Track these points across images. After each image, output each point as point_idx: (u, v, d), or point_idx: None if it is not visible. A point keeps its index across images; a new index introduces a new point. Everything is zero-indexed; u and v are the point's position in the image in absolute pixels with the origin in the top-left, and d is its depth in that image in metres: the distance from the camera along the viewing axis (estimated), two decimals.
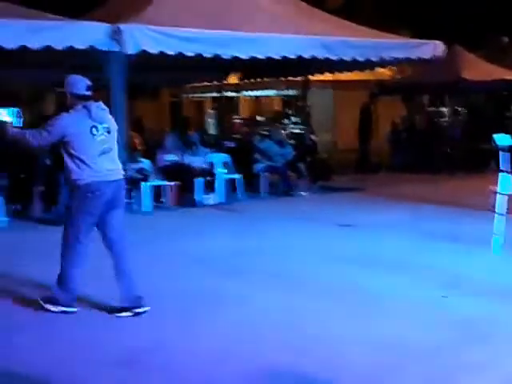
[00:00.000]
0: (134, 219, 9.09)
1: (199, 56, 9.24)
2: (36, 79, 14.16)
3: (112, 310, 5.14)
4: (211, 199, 10.95)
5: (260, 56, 9.81)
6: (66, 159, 5.05)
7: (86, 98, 5.07)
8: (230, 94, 20.28)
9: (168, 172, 10.97)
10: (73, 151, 5.00)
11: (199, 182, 10.91)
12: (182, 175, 10.93)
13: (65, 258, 5.16)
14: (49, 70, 11.74)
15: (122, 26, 8.41)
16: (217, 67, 12.99)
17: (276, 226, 8.86)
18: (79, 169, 5.00)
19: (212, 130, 18.51)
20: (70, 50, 8.20)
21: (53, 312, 5.11)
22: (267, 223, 9.08)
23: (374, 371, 4.00)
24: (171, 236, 8.31)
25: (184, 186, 10.95)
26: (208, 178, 11.08)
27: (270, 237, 8.11)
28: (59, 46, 8.07)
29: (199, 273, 6.36)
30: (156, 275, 6.28)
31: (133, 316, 5.06)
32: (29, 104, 23.68)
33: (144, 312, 5.11)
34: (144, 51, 8.63)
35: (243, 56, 9.67)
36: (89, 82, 5.13)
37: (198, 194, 10.87)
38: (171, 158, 11.28)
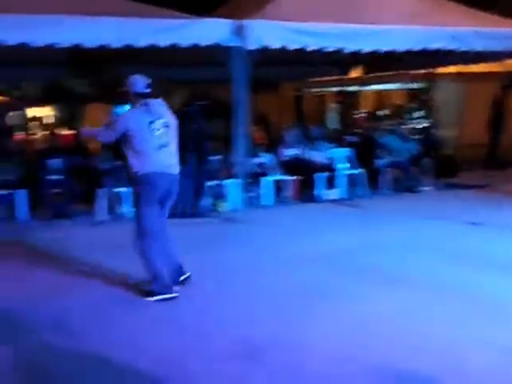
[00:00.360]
0: (254, 214, 9.24)
1: (321, 50, 9.17)
2: (162, 76, 14.66)
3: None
4: (332, 194, 10.86)
5: (384, 49, 9.59)
6: (128, 152, 5.39)
7: (145, 96, 5.43)
8: (352, 88, 20.01)
9: (289, 167, 10.99)
10: (133, 145, 5.34)
11: (320, 177, 10.85)
12: (303, 170, 10.91)
13: (142, 249, 5.40)
14: (173, 67, 12.15)
15: (245, 22, 8.51)
16: (339, 61, 12.86)
17: (398, 222, 8.64)
18: (139, 161, 5.33)
19: (334, 124, 18.35)
20: (195, 47, 8.40)
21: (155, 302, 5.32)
22: (389, 220, 8.88)
23: (501, 377, 3.79)
24: (290, 231, 8.31)
25: (305, 180, 10.93)
26: (329, 173, 10.99)
27: (391, 234, 7.91)
28: (185, 44, 8.29)
29: (316, 270, 6.30)
30: (273, 271, 6.31)
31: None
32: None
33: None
34: (266, 46, 8.69)
35: (366, 49, 9.50)
36: (148, 81, 5.51)
37: (319, 189, 10.82)
38: (292, 152, 11.30)
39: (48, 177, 9.59)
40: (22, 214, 9.42)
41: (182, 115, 9.26)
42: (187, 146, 9.22)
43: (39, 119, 20.90)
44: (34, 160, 10.33)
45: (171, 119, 5.57)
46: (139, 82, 5.53)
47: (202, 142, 9.49)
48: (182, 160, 8.97)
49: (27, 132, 20.59)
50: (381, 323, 4.77)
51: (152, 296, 5.38)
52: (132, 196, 5.90)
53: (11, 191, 9.39)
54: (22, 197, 9.40)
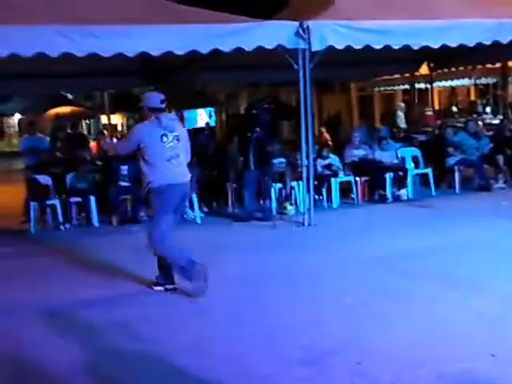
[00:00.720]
0: (321, 216, 9.16)
1: (387, 48, 9.00)
2: (229, 80, 14.82)
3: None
4: (401, 195, 10.66)
5: (452, 44, 9.32)
6: (141, 164, 5.77)
7: (159, 110, 5.78)
8: (420, 85, 19.62)
9: (356, 167, 10.86)
10: (146, 157, 5.70)
11: (389, 177, 10.66)
12: (371, 170, 10.76)
13: (160, 249, 5.77)
14: (240, 70, 12.22)
15: (309, 23, 8.44)
16: (406, 58, 12.60)
17: (470, 222, 8.37)
18: (152, 173, 5.69)
19: (402, 123, 18.04)
20: (259, 51, 8.39)
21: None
22: (461, 220, 8.62)
23: None
24: (357, 233, 8.21)
25: (373, 181, 10.78)
26: (398, 173, 10.79)
27: (463, 234, 7.68)
28: (249, 47, 8.30)
29: (383, 272, 6.17)
30: (338, 273, 6.24)
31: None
32: (224, 104, 24.90)
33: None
34: (331, 46, 8.60)
35: (434, 45, 9.25)
36: (162, 97, 5.89)
37: (388, 190, 10.64)
38: (360, 152, 11.16)
39: (118, 183, 9.81)
40: (94, 220, 9.68)
41: (249, 118, 9.36)
42: (252, 148, 9.26)
43: (111, 127, 21.43)
44: (106, 167, 10.60)
45: (183, 132, 5.99)
46: (155, 97, 5.93)
47: (267, 144, 9.49)
48: (246, 163, 9.08)
49: (100, 140, 21.23)
50: (454, 327, 4.62)
51: (190, 280, 5.59)
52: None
53: (85, 197, 9.67)
54: (93, 203, 9.66)
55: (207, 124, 24.44)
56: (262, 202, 9.55)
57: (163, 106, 5.85)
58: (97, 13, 8.08)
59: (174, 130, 5.81)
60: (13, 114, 33.31)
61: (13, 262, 7.57)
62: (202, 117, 25.51)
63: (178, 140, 5.79)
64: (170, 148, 5.71)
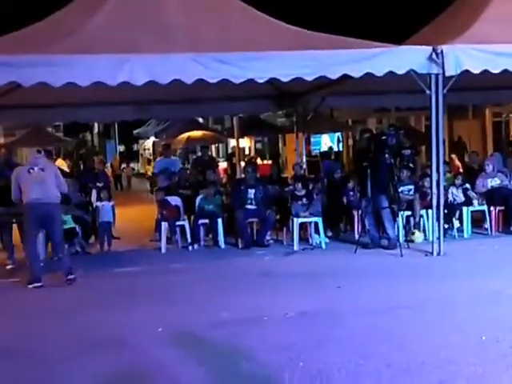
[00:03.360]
0: (450, 246, 8.81)
1: None
2: (356, 105, 14.73)
3: None
4: None
5: None
6: None
7: None
8: None
9: (490, 196, 10.37)
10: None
11: None
12: (506, 200, 10.23)
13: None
14: (368, 95, 12.11)
15: (444, 48, 8.22)
16: None
17: None
18: None
19: None
20: (390, 76, 8.27)
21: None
22: None
23: None
24: (488, 265, 7.77)
25: (507, 211, 10.24)
26: None
27: None
28: (379, 73, 8.19)
29: None
30: (469, 307, 5.94)
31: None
32: (352, 129, 24.77)
33: None
34: (465, 71, 8.32)
35: None
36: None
37: None
38: (495, 182, 10.63)
39: (245, 206, 9.97)
40: (220, 242, 9.89)
41: (378, 143, 9.21)
42: (375, 174, 9.08)
43: (240, 150, 21.86)
44: (233, 189, 10.82)
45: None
46: None
47: (394, 170, 9.28)
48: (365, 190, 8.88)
49: (230, 162, 21.74)
50: None
51: None
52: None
53: (213, 219, 9.91)
54: (220, 225, 9.87)
55: (330, 148, 24.42)
56: (384, 229, 9.31)
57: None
58: (227, 41, 8.32)
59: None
60: (148, 137, 34.95)
61: (144, 280, 7.88)
62: (326, 141, 25.53)
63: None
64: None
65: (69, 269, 7.75)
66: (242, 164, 15.56)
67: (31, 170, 7.78)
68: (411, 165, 10.98)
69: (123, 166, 32.85)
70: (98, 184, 11.63)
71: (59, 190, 7.93)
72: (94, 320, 6.07)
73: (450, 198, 10.20)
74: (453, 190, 10.29)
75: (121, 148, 46.50)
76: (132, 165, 33.61)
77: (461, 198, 10.25)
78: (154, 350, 5.12)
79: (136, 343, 5.30)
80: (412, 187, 10.03)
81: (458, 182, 10.43)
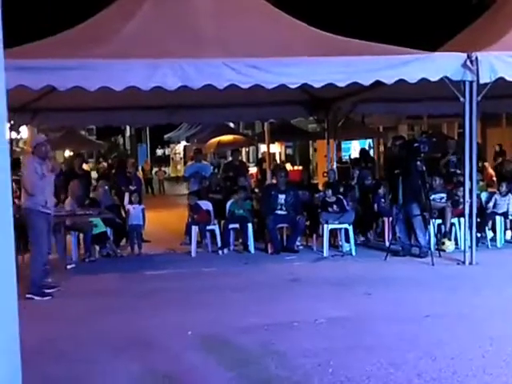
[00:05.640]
0: (483, 255, 8.69)
1: None
2: (388, 111, 14.67)
3: None
4: None
5: None
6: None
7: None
8: None
9: None
10: None
11: None
12: None
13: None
14: (400, 102, 12.05)
15: (478, 54, 8.14)
16: None
17: None
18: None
19: None
20: (423, 82, 8.22)
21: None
22: None
23: None
24: None
25: None
26: None
27: None
28: (412, 80, 8.14)
29: None
30: (504, 318, 5.85)
31: None
32: (383, 135, 24.64)
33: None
34: (500, 78, 8.22)
35: None
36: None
37: None
38: None
39: (275, 211, 9.97)
40: (250, 246, 9.91)
41: (410, 150, 9.13)
42: (413, 182, 9.01)
43: (270, 155, 21.88)
44: (264, 195, 10.83)
45: None
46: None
47: (425, 177, 9.20)
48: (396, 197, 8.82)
49: (260, 167, 21.77)
50: None
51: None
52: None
53: (243, 224, 9.93)
54: (250, 230, 9.89)
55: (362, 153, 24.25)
56: (415, 237, 9.23)
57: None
58: (259, 46, 8.35)
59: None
60: (179, 142, 35.17)
61: (174, 284, 7.92)
62: (355, 147, 25.39)
63: None
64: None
65: (32, 285, 7.21)
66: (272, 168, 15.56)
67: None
68: (458, 171, 10.69)
69: (156, 169, 33.10)
70: (130, 187, 11.75)
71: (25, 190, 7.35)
72: (124, 322, 6.13)
73: (484, 205, 10.06)
74: (496, 197, 10.12)
75: (159, 152, 46.81)
76: (164, 169, 33.82)
77: (504, 206, 10.04)
78: (185, 353, 5.15)
79: (167, 345, 5.34)
80: (444, 195, 9.93)
81: (503, 189, 10.19)
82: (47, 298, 7.21)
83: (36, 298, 7.14)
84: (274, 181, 11.16)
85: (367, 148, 25.88)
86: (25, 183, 7.33)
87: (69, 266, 8.97)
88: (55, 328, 6.02)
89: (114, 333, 5.77)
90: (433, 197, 9.60)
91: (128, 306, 6.81)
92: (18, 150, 22.06)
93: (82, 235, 9.71)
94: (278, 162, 24.59)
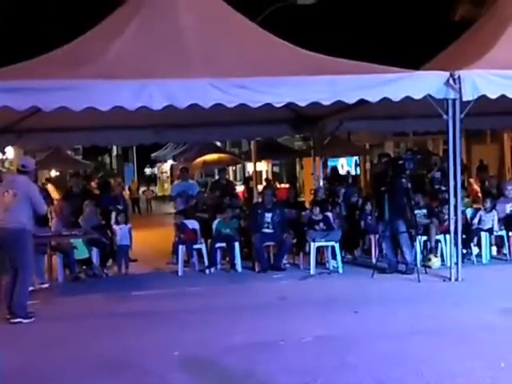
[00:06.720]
0: (468, 271, 8.73)
1: None
2: (373, 129, 14.78)
3: None
4: None
5: None
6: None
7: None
8: None
9: (510, 221, 10.28)
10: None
11: None
12: None
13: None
14: (385, 119, 12.15)
15: (461, 73, 8.23)
16: None
17: None
18: None
19: None
20: (406, 101, 8.29)
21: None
22: None
23: None
24: (509, 291, 7.70)
25: None
26: None
27: None
28: (396, 98, 8.22)
29: None
30: (489, 334, 5.86)
31: None
32: (369, 153, 24.80)
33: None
34: (482, 96, 8.32)
35: None
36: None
37: None
38: None
39: (261, 230, 9.97)
40: (237, 265, 9.89)
41: (395, 167, 9.20)
42: (399, 198, 9.07)
43: (257, 174, 21.94)
44: (251, 213, 10.84)
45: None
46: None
47: (410, 194, 9.26)
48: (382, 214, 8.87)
49: (247, 186, 21.82)
50: None
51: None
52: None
53: (229, 243, 9.93)
54: (237, 249, 9.88)
55: (348, 172, 24.42)
56: (402, 254, 9.27)
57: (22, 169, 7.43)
58: (245, 65, 8.41)
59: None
60: (166, 161, 35.16)
61: (161, 303, 7.89)
62: (343, 165, 25.52)
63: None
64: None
65: (21, 308, 7.14)
66: (260, 187, 15.58)
67: (5, 193, 7.27)
68: (443, 188, 10.75)
69: (143, 189, 33.04)
70: (117, 206, 11.72)
71: (38, 211, 7.42)
72: (110, 343, 6.09)
73: (469, 221, 10.13)
74: (481, 213, 10.19)
75: (147, 171, 46.77)
76: (151, 188, 33.77)
77: (489, 222, 10.11)
78: (171, 373, 5.12)
79: (152, 366, 5.31)
80: (425, 211, 10.00)
81: (488, 205, 10.27)
82: (33, 319, 7.14)
83: (24, 321, 7.05)
84: (261, 199, 11.17)
85: (354, 165, 26.02)
86: (36, 204, 7.33)
87: (43, 286, 8.85)
88: (38, 351, 5.97)
89: (99, 355, 5.71)
90: (417, 213, 9.65)
91: (113, 327, 6.76)
92: (3, 170, 21.95)
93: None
94: (266, 179, 24.61)
